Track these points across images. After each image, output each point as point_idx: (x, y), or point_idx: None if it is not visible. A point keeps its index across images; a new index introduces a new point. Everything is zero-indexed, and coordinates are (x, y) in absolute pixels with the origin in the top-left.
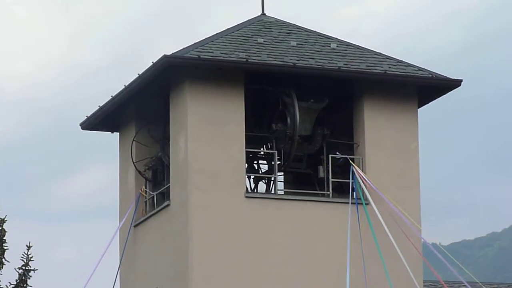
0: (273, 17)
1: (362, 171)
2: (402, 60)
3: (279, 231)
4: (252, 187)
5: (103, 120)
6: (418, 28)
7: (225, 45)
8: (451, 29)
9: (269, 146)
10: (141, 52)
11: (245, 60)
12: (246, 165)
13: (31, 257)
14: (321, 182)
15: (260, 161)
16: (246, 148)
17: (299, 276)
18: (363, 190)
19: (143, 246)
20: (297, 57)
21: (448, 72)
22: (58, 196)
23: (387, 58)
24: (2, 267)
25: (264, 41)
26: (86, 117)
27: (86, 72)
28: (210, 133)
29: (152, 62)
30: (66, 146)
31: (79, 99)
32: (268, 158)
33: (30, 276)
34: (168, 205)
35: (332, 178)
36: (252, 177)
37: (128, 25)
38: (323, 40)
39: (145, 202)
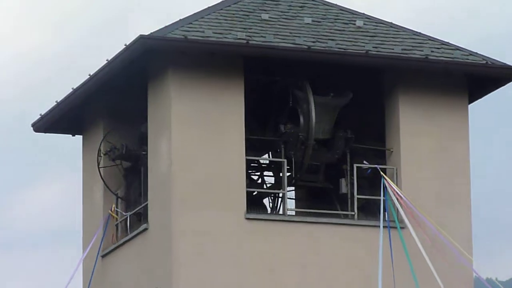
0: None
1: (396, 185)
2: (448, 42)
3: (289, 262)
4: (255, 206)
5: (61, 119)
6: (468, 1)
7: (219, 23)
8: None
9: (276, 153)
10: (110, 31)
11: (245, 42)
12: (247, 177)
13: None
14: (343, 199)
15: (265, 173)
16: (246, 155)
17: None
18: (397, 209)
19: (113, 281)
20: (313, 38)
21: (508, 58)
22: (2, 218)
23: (429, 40)
24: None
25: (269, 17)
26: (39, 116)
27: (36, 60)
28: (200, 136)
29: (125, 45)
30: (13, 153)
31: (31, 91)
32: (275, 168)
33: None
34: (145, 229)
35: (357, 194)
36: (254, 193)
37: None
38: (346, 16)
39: (116, 225)
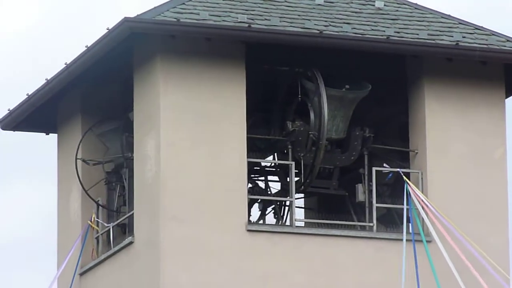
0: None
1: (422, 192)
2: (482, 27)
3: (296, 281)
4: (258, 216)
5: (33, 115)
6: None
7: (217, 4)
8: None
9: (282, 155)
10: (89, 13)
11: (247, 25)
12: (248, 183)
13: None
14: (360, 208)
15: (270, 177)
16: (248, 158)
17: None
18: (423, 220)
19: None
20: (325, 21)
21: None
22: None
23: (460, 24)
24: None
25: None
26: (7, 111)
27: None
28: (194, 135)
29: (107, 29)
30: None
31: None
32: (282, 172)
33: None
34: (131, 242)
35: (376, 202)
36: (258, 201)
37: None
38: None
39: (97, 238)
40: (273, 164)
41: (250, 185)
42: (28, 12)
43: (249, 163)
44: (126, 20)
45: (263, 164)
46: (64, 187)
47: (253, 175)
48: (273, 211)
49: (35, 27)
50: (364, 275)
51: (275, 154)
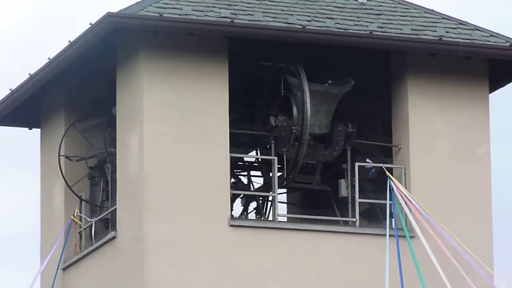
0: None
1: (405, 187)
2: (465, 22)
3: (280, 275)
4: (240, 211)
5: (16, 110)
6: None
7: None
8: None
9: (265, 150)
10: (72, 7)
11: (229, 20)
12: (231, 178)
13: None
14: (343, 203)
15: (252, 172)
16: (231, 152)
17: None
18: (406, 215)
19: None
20: (308, 16)
21: None
22: None
23: (443, 18)
24: None
25: None
26: None
27: None
28: (177, 130)
29: (90, 24)
30: None
31: None
32: (264, 167)
33: None
34: (114, 237)
35: (359, 197)
36: (240, 196)
37: None
38: None
39: (80, 233)
40: (256, 159)
41: (233, 180)
42: (13, 8)
43: (232, 158)
44: (109, 15)
45: (246, 159)
46: (47, 182)
47: (236, 170)
48: (254, 210)
49: (19, 22)
50: (348, 270)
51: (258, 149)
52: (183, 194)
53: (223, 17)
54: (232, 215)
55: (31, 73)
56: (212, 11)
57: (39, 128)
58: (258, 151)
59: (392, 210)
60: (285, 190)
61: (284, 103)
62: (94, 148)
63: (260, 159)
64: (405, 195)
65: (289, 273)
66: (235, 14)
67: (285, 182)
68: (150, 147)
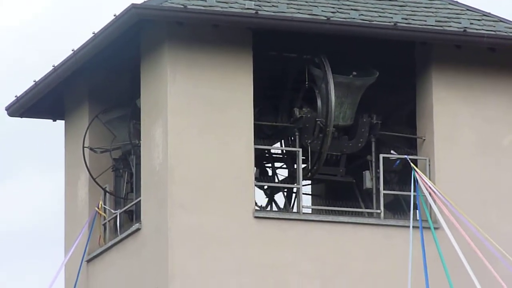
0: None
1: (430, 179)
2: (489, 13)
3: (304, 267)
4: (265, 203)
5: (39, 102)
6: None
7: None
8: None
9: (289, 142)
10: (98, 0)
11: (254, 12)
12: (256, 169)
13: None
14: (367, 195)
15: (277, 164)
16: (255, 144)
17: None
18: (430, 207)
19: None
20: (332, 8)
21: None
22: None
23: (467, 10)
24: None
25: None
26: (15, 98)
27: (11, 34)
28: (201, 122)
29: (114, 15)
30: None
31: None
32: (289, 159)
33: None
34: (138, 229)
35: (384, 189)
36: (264, 187)
37: None
38: None
39: (104, 225)
40: (280, 151)
41: (257, 172)
42: (39, 4)
43: (256, 150)
44: (133, 6)
45: (271, 151)
46: (72, 174)
47: (260, 162)
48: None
49: (43, 14)
50: (372, 262)
51: (283, 141)
52: (207, 186)
53: (248, 8)
54: (256, 207)
55: (55, 65)
56: (237, 2)
57: (63, 120)
58: (283, 143)
59: (417, 202)
60: (309, 182)
61: (309, 94)
62: (118, 140)
63: (284, 151)
64: (429, 187)
65: (313, 265)
66: (260, 6)
67: (309, 174)
68: (174, 140)
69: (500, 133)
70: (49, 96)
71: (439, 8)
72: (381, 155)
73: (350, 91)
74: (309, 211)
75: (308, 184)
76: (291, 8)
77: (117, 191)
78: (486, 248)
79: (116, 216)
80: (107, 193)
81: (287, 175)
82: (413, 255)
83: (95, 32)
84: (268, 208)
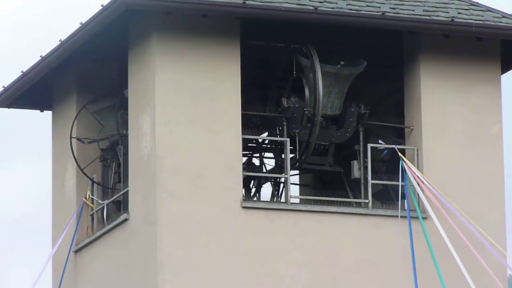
0: None
1: (418, 168)
2: (477, 3)
3: (293, 257)
4: (253, 193)
5: (27, 92)
6: None
7: None
8: None
9: (277, 132)
10: None
11: (242, 2)
12: (244, 159)
13: None
14: (355, 185)
15: (265, 154)
16: (243, 134)
17: None
18: (418, 196)
19: (88, 280)
20: None
21: None
22: None
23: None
24: None
25: None
26: (2, 88)
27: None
28: (189, 112)
29: (102, 5)
30: None
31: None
32: (277, 149)
33: None
34: (126, 219)
35: (372, 179)
36: (252, 177)
37: None
38: None
39: (92, 215)
40: (268, 141)
41: (245, 162)
42: None
43: (244, 139)
44: None
45: (258, 140)
46: (59, 165)
47: (247, 152)
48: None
49: (31, 4)
50: (360, 252)
51: (270, 130)
52: (196, 176)
53: None
54: (244, 196)
55: (43, 55)
56: None
57: (50, 110)
58: (271, 133)
59: (405, 191)
60: (297, 172)
61: (296, 84)
62: (106, 130)
63: (272, 141)
64: (417, 176)
65: (301, 255)
66: None
67: (297, 163)
68: (162, 129)
69: (488, 122)
70: (36, 86)
71: None
72: (369, 145)
73: (338, 80)
74: (297, 201)
75: (296, 174)
76: None
77: (105, 182)
78: (474, 237)
79: (104, 206)
80: (94, 184)
81: (275, 165)
82: (402, 245)
83: (83, 22)
84: (256, 198)
